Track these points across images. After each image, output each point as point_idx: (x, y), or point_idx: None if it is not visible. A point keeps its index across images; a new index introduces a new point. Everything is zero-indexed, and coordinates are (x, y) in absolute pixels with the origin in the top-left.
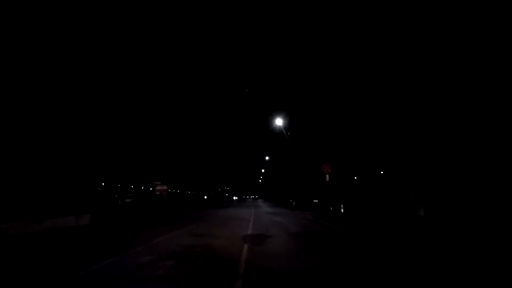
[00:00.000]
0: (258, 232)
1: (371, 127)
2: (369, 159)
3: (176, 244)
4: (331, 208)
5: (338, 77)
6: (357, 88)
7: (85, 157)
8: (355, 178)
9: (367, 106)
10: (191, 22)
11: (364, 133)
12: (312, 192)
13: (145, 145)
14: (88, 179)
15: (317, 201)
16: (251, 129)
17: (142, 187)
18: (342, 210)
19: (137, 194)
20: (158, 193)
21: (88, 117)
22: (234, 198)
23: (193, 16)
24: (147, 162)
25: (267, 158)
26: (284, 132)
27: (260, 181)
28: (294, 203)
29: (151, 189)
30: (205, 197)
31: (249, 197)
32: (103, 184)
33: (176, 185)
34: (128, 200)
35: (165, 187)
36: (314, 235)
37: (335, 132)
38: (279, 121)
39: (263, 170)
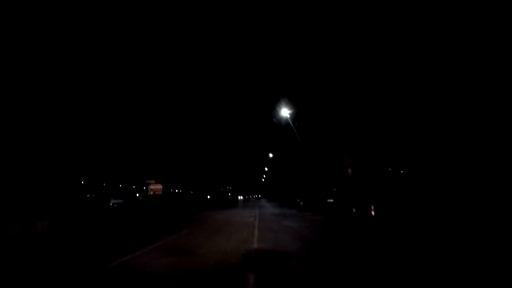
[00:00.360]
0: (268, 246)
1: (402, 112)
2: (403, 151)
3: (138, 273)
4: (354, 210)
5: (350, 56)
6: (380, 66)
7: (41, 153)
8: (384, 174)
9: (397, 86)
10: (190, 10)
11: (394, 119)
12: (325, 191)
13: (146, 143)
14: (47, 178)
15: (332, 200)
16: (253, 125)
17: (144, 187)
18: (373, 213)
19: (130, 194)
20: (151, 193)
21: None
22: (240, 197)
23: (192, 3)
24: (149, 161)
25: (270, 155)
26: (291, 124)
27: (263, 180)
28: (302, 203)
29: (149, 188)
30: (208, 197)
31: (252, 197)
32: (104, 184)
33: (179, 185)
34: (119, 201)
35: (159, 186)
36: (347, 249)
37: (354, 120)
38: (285, 112)
39: (266, 169)
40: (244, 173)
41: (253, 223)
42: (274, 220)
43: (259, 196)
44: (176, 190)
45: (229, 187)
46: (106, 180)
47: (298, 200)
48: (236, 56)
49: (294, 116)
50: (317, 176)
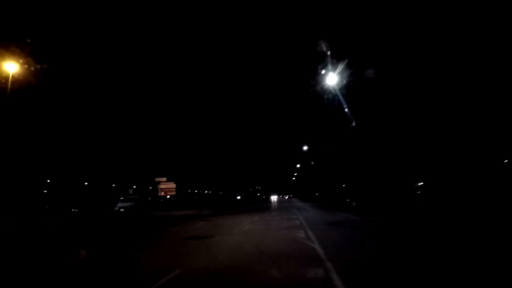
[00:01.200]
0: None
1: None
2: None
3: None
4: None
5: None
6: None
7: None
8: None
9: None
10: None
11: None
12: (402, 186)
13: (167, 141)
14: None
15: (419, 201)
16: (284, 119)
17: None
18: None
19: (142, 197)
20: (162, 193)
21: None
22: (273, 198)
23: None
24: (169, 160)
25: (305, 148)
26: (340, 96)
27: (293, 178)
28: (354, 204)
29: (159, 187)
30: (238, 197)
31: (283, 196)
32: (134, 187)
33: (207, 186)
34: (126, 205)
35: (172, 185)
36: None
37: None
38: (331, 79)
39: (298, 165)
40: (273, 172)
41: (311, 247)
42: (342, 236)
43: (290, 195)
44: (206, 191)
45: (258, 187)
46: (118, 182)
47: (347, 200)
48: (258, 34)
49: (345, 83)
50: (381, 164)
